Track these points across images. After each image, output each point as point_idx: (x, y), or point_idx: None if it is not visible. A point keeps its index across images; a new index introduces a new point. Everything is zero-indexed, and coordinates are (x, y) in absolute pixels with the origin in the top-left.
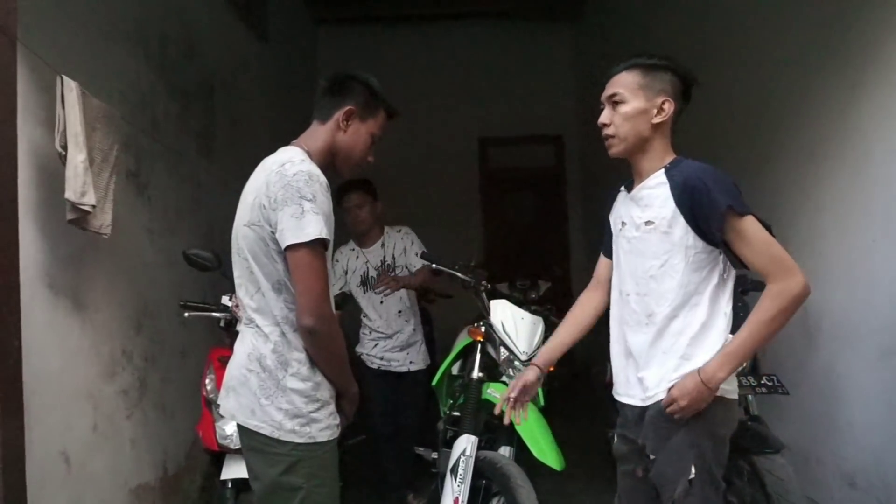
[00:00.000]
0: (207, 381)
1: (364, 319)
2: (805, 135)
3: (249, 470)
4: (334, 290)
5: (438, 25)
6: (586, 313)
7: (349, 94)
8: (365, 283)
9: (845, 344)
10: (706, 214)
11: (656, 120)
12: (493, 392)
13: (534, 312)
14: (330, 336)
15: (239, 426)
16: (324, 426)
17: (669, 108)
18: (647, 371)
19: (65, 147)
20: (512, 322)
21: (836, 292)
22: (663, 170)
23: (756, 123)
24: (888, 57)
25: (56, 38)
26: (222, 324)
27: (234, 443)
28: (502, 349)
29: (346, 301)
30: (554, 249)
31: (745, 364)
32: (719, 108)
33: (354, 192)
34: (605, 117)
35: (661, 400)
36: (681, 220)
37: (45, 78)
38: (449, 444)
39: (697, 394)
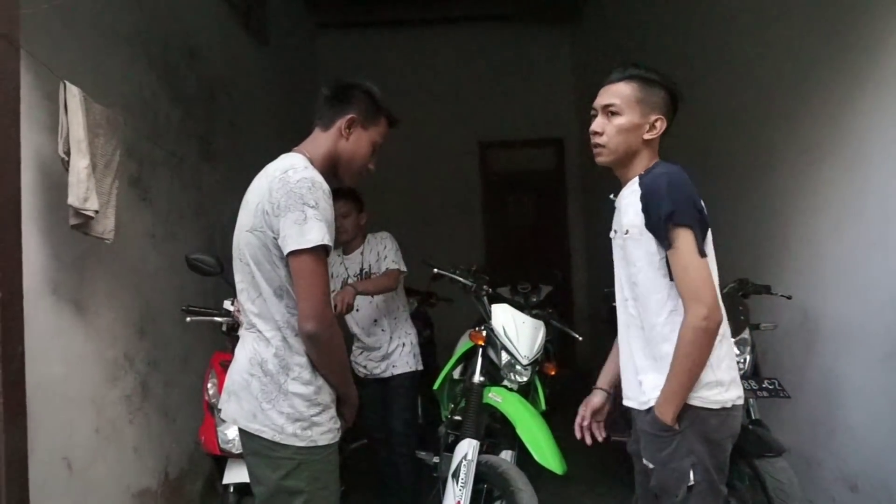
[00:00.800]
0: (209, 385)
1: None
2: (802, 137)
3: (251, 474)
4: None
5: (438, 29)
6: None
7: (351, 102)
8: None
9: (845, 347)
10: (654, 220)
11: (647, 136)
12: (494, 396)
13: (535, 316)
14: (331, 341)
15: (240, 430)
16: (325, 430)
17: (661, 126)
18: (645, 375)
19: (68, 153)
20: (513, 326)
21: (835, 295)
22: (638, 177)
23: (753, 126)
24: (886, 59)
25: (59, 45)
26: (224, 328)
27: (236, 447)
28: (503, 353)
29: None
30: (555, 253)
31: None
32: (716, 112)
33: (341, 200)
34: (597, 125)
35: (653, 407)
36: (645, 228)
37: (49, 84)
38: (450, 449)
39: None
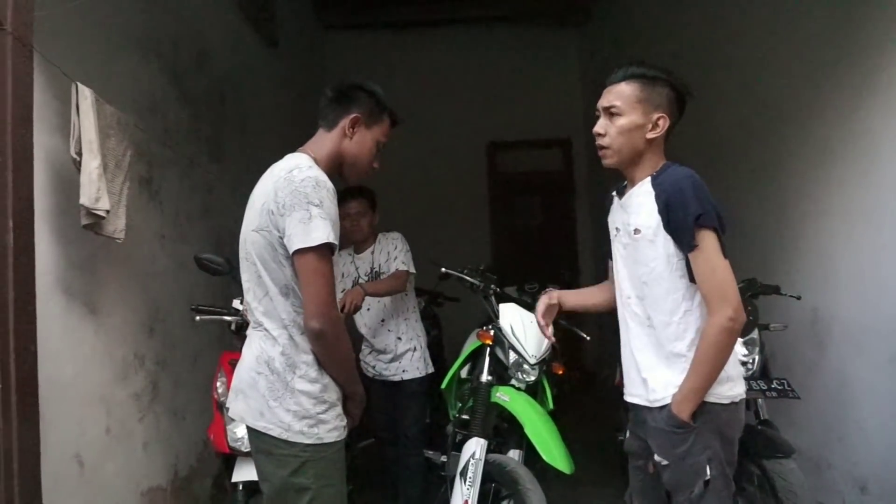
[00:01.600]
0: (219, 384)
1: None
2: (812, 138)
3: (258, 471)
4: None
5: (446, 30)
6: (604, 292)
7: (355, 102)
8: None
9: (856, 348)
10: (679, 222)
11: (651, 135)
12: (501, 395)
13: None
14: (337, 339)
15: (248, 428)
16: (331, 427)
17: (664, 124)
18: (651, 373)
19: (79, 153)
20: (521, 325)
21: (845, 297)
22: (650, 178)
23: (763, 126)
24: None
25: (71, 47)
26: (233, 327)
27: (246, 446)
28: (511, 353)
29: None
30: (562, 253)
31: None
32: (726, 112)
33: (357, 199)
34: (600, 127)
35: (669, 405)
36: (662, 230)
37: (61, 86)
38: (458, 448)
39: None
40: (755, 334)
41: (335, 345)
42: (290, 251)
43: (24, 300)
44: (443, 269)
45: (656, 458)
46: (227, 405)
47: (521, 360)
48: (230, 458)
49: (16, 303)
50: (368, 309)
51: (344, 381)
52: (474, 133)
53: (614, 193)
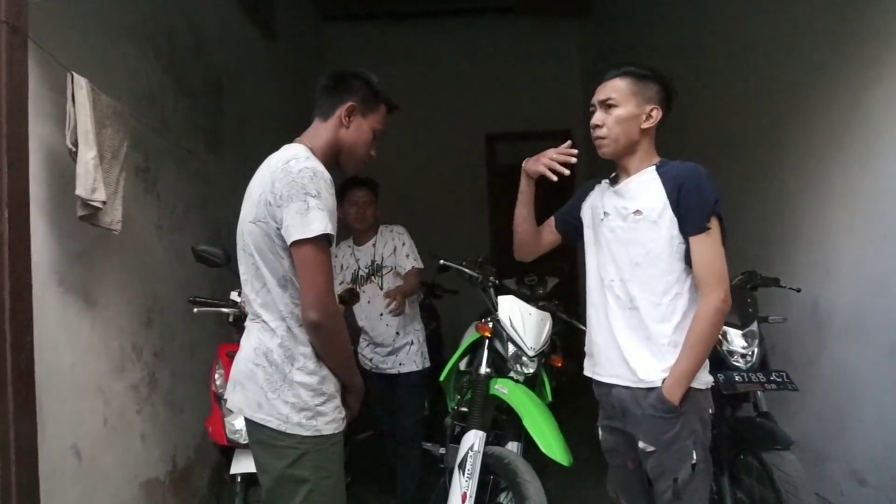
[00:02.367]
0: (217, 376)
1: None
2: (814, 129)
3: (257, 463)
4: (335, 285)
5: (445, 21)
6: (536, 231)
7: (350, 90)
8: (355, 280)
9: (855, 340)
10: (695, 204)
11: (645, 125)
12: (500, 388)
13: (541, 308)
14: (334, 330)
15: (246, 420)
16: (329, 419)
17: (657, 115)
18: (634, 356)
19: (75, 144)
20: (519, 318)
21: (846, 288)
22: (654, 167)
23: (764, 117)
24: None
25: (67, 36)
26: (231, 319)
27: (244, 438)
28: (510, 345)
29: (353, 297)
30: (561, 245)
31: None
32: (727, 103)
33: (362, 188)
34: (597, 119)
35: (656, 388)
36: (669, 212)
37: (56, 75)
38: (456, 440)
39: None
40: (754, 326)
41: (333, 336)
42: (288, 242)
43: (21, 291)
44: (441, 262)
45: (641, 444)
46: (225, 397)
47: (519, 352)
48: (228, 450)
49: (12, 294)
50: (369, 302)
51: (342, 373)
52: (473, 124)
53: (605, 181)
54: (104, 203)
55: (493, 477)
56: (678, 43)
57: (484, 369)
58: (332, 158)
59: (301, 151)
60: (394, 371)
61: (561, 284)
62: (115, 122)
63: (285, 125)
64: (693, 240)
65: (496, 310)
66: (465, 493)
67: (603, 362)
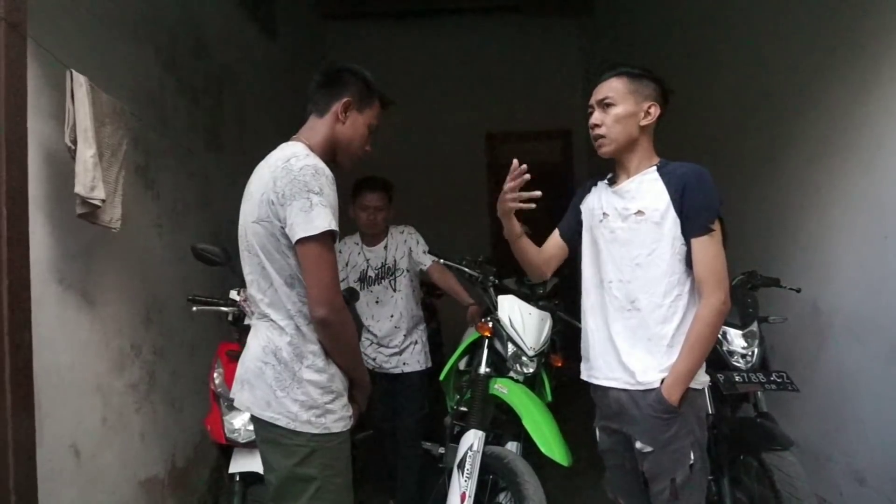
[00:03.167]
0: (216, 375)
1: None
2: (815, 129)
3: (264, 462)
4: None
5: (446, 20)
6: (539, 252)
7: (345, 86)
8: (363, 280)
9: (856, 341)
10: (699, 206)
11: (644, 122)
12: (500, 387)
13: (541, 308)
14: (342, 326)
15: (254, 418)
16: (338, 417)
17: (655, 111)
18: (633, 357)
19: (74, 142)
20: (519, 317)
21: (846, 289)
22: (655, 167)
23: (765, 117)
24: None
25: (66, 34)
26: (230, 318)
27: (243, 437)
28: (510, 344)
29: (353, 296)
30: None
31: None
32: (727, 103)
33: (377, 192)
34: (596, 118)
35: (654, 389)
36: (672, 213)
37: (55, 73)
38: (456, 440)
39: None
40: (755, 327)
41: (341, 332)
42: (293, 240)
43: (19, 289)
44: (441, 261)
45: (638, 445)
46: (232, 395)
47: (519, 351)
48: (227, 449)
49: (10, 291)
50: (377, 302)
51: (350, 368)
52: (474, 123)
53: (604, 181)
54: (103, 201)
55: (492, 477)
56: (679, 43)
57: (483, 369)
58: (330, 154)
59: (300, 149)
60: (397, 371)
61: (561, 284)
62: (115, 121)
63: (285, 123)
64: (695, 241)
65: (496, 309)
66: (464, 493)
67: (600, 366)
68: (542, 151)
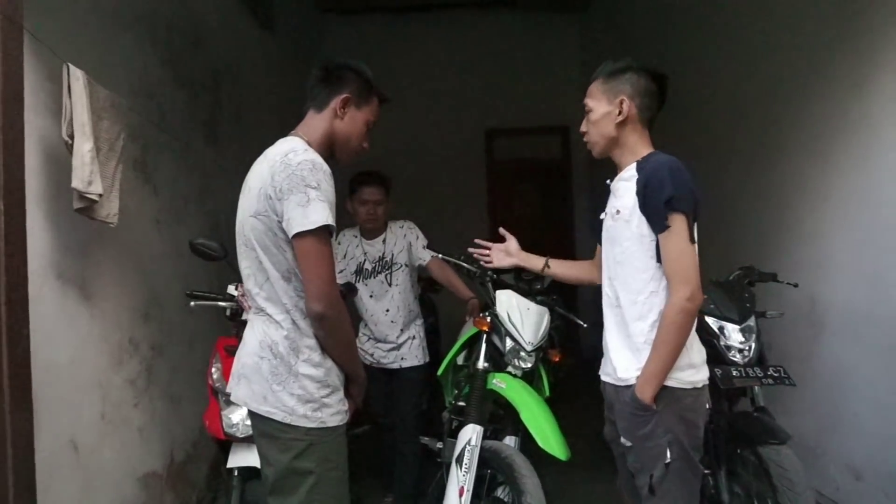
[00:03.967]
0: (214, 370)
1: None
2: (811, 125)
3: (261, 456)
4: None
5: (445, 15)
6: (584, 268)
7: (344, 82)
8: (359, 273)
9: (852, 335)
10: (653, 202)
11: (619, 119)
12: (498, 382)
13: (539, 303)
14: (339, 320)
15: (251, 413)
16: (334, 411)
17: (627, 106)
18: (618, 353)
19: (71, 136)
20: (518, 312)
21: (843, 284)
22: (635, 164)
23: (761, 114)
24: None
25: (63, 27)
26: (228, 313)
27: (241, 431)
28: (508, 339)
29: (351, 290)
30: (560, 240)
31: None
32: (725, 97)
33: (376, 186)
34: (583, 126)
35: (632, 386)
36: (637, 210)
37: (52, 67)
38: (454, 434)
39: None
40: (752, 321)
41: (337, 327)
42: (290, 235)
43: (17, 284)
44: (440, 256)
45: (621, 439)
46: (228, 390)
47: (517, 346)
48: (226, 444)
49: (8, 287)
50: (371, 296)
51: (346, 363)
52: (472, 120)
53: (608, 182)
54: (101, 196)
55: (490, 471)
56: (677, 39)
57: (482, 364)
58: (328, 150)
59: (298, 144)
60: (396, 366)
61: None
62: (112, 115)
63: (283, 118)
64: (660, 237)
65: (494, 304)
66: (462, 488)
67: (603, 361)
68: (540, 147)
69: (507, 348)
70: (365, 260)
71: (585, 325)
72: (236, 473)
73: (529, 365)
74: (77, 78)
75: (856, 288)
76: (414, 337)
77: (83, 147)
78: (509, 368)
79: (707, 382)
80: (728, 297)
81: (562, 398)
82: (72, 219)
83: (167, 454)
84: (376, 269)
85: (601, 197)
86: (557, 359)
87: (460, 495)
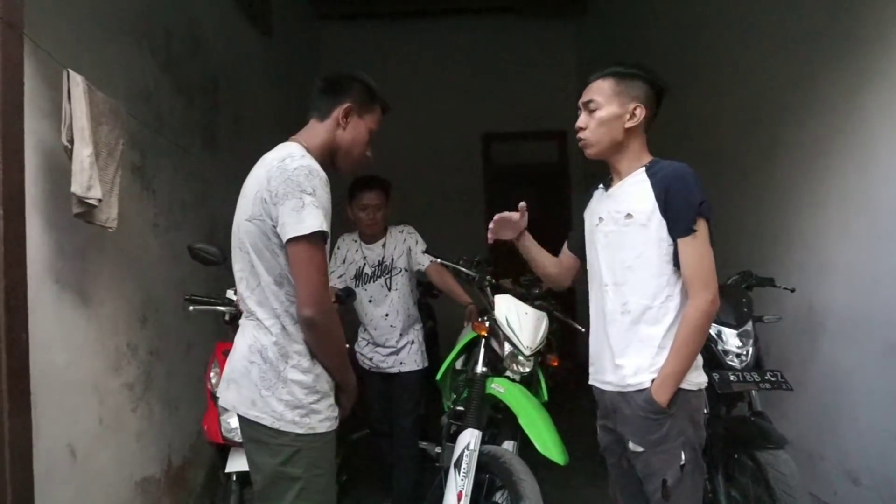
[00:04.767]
0: (212, 374)
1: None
2: (809, 129)
3: (250, 461)
4: (333, 277)
5: (442, 21)
6: (554, 264)
7: (347, 91)
8: (358, 277)
9: (850, 340)
10: (681, 207)
11: (629, 124)
12: (496, 386)
13: (537, 307)
14: (329, 327)
15: (240, 417)
16: (323, 417)
17: (641, 113)
18: (624, 359)
19: (71, 141)
20: (516, 317)
21: (840, 288)
22: (644, 168)
23: (759, 118)
24: (894, 50)
25: (62, 33)
26: (227, 318)
27: (239, 436)
28: (506, 344)
29: (350, 295)
30: (557, 245)
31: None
32: (722, 104)
33: (375, 191)
34: (580, 122)
35: (645, 389)
36: (657, 214)
37: (52, 72)
38: (452, 439)
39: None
40: (749, 326)
41: (327, 333)
42: (283, 239)
43: (16, 288)
44: (438, 261)
45: (630, 445)
46: (218, 394)
47: (515, 351)
48: (224, 449)
49: (6, 291)
50: (371, 301)
51: (336, 371)
52: (470, 124)
53: (601, 185)
54: (100, 201)
55: (488, 476)
56: (675, 44)
57: (480, 368)
58: (328, 158)
59: (296, 150)
60: (394, 370)
61: None
62: (111, 120)
63: (281, 123)
64: (680, 242)
65: (492, 309)
66: (460, 492)
67: (598, 367)
68: (537, 152)
69: (506, 353)
70: (364, 264)
71: (584, 330)
72: (234, 478)
73: (528, 369)
74: (77, 83)
75: (853, 293)
76: (413, 341)
77: (82, 152)
78: (507, 373)
79: (704, 386)
80: (725, 302)
81: (560, 402)
82: (70, 224)
83: (165, 459)
84: (376, 273)
85: (582, 202)
86: (555, 363)
87: (459, 500)
